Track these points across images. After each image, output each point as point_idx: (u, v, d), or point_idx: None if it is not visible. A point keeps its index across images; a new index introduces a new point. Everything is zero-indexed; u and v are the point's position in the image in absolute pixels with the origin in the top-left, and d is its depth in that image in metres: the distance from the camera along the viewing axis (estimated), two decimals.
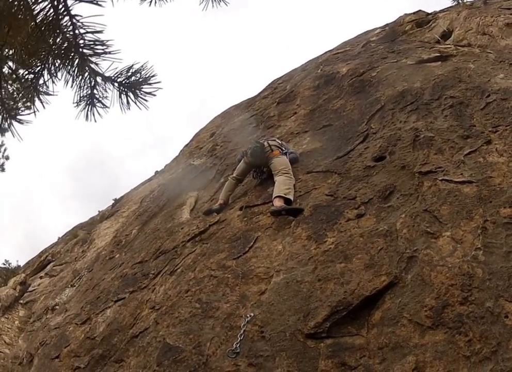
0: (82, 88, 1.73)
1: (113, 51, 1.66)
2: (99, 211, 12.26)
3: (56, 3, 1.60)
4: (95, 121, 1.75)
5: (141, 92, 1.69)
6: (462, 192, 3.99)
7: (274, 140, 5.34)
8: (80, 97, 1.76)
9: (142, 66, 1.67)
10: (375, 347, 2.74)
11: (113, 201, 11.48)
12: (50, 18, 1.60)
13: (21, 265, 11.71)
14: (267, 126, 6.80)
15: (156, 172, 11.16)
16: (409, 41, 7.53)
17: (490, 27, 6.63)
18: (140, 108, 1.69)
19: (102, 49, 1.66)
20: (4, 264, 11.96)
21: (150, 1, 2.42)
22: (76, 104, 1.76)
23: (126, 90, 1.70)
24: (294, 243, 3.96)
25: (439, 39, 7.22)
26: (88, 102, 1.75)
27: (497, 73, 5.65)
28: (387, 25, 8.83)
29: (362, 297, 3.08)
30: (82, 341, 4.58)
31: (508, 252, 3.27)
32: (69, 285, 7.37)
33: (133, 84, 1.68)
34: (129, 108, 1.71)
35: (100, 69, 1.70)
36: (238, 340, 2.89)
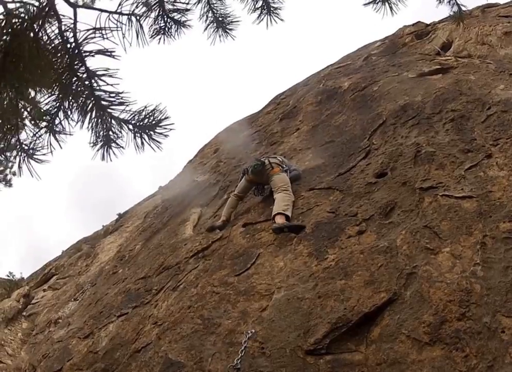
0: (97, 130, 1.89)
1: (130, 102, 1.83)
2: (103, 226, 12.56)
3: (71, 53, 1.80)
4: (111, 160, 1.92)
5: (155, 133, 1.83)
6: (462, 207, 4.14)
7: (275, 157, 5.55)
8: (96, 138, 1.92)
9: (155, 108, 1.81)
10: (373, 364, 2.87)
11: (117, 216, 11.78)
12: (67, 68, 1.79)
13: (25, 278, 12.01)
14: (270, 142, 7.02)
15: (160, 187, 11.44)
16: (409, 53, 7.75)
17: (489, 37, 6.82)
18: (154, 149, 1.85)
19: (120, 101, 1.82)
20: (8, 276, 12.25)
21: (159, 40, 2.69)
22: (92, 145, 1.92)
23: (140, 131, 1.84)
24: (295, 259, 4.12)
25: (439, 50, 7.42)
26: (104, 143, 1.90)
27: (497, 84, 5.83)
28: (387, 37, 9.08)
29: (361, 314, 3.22)
30: (85, 355, 4.77)
31: (506, 267, 3.40)
32: (73, 299, 7.63)
33: (147, 126, 1.83)
34: (143, 149, 1.86)
35: (114, 112, 1.86)
36: (239, 356, 3.04)
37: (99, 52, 1.83)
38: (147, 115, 1.82)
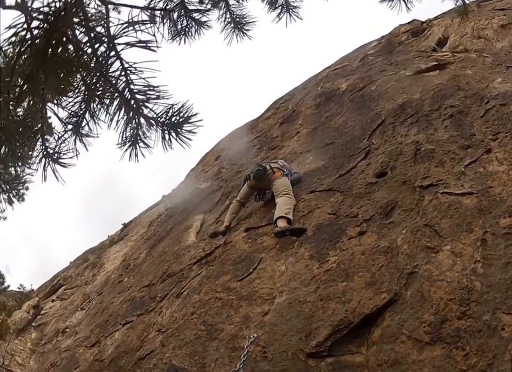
0: (125, 130, 1.86)
1: (166, 96, 1.78)
2: (108, 236, 12.80)
3: (106, 48, 1.81)
4: (138, 161, 1.88)
5: (183, 130, 1.78)
6: (462, 204, 4.14)
7: (276, 162, 5.60)
8: (123, 138, 1.89)
9: (183, 105, 1.77)
10: (374, 365, 2.89)
11: (122, 226, 12.00)
12: (97, 65, 1.80)
13: (35, 289, 12.26)
14: (271, 147, 7.07)
15: (164, 196, 11.59)
16: (406, 52, 7.76)
17: (485, 30, 6.80)
18: (183, 147, 1.79)
19: (156, 95, 1.78)
20: (19, 288, 12.50)
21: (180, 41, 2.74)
22: (119, 145, 1.89)
23: (169, 129, 1.79)
24: (297, 263, 4.16)
25: (435, 46, 7.42)
26: (132, 143, 1.87)
27: (495, 77, 5.81)
28: (383, 37, 9.09)
29: (363, 315, 3.24)
30: (91, 363, 4.87)
31: (506, 263, 3.39)
32: (80, 309, 7.81)
33: (175, 124, 1.78)
34: (171, 147, 1.83)
35: (150, 106, 1.82)
36: (242, 360, 3.08)
37: (135, 44, 1.80)
38: (176, 113, 1.77)
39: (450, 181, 4.45)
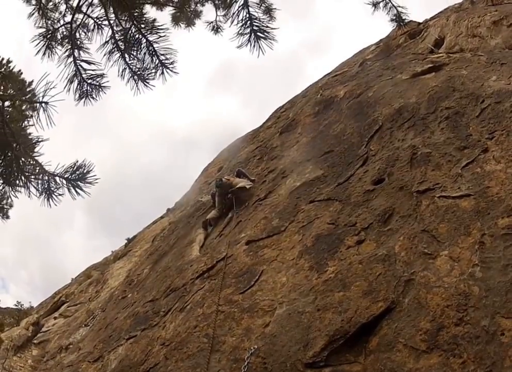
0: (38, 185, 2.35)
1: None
2: (112, 251, 13.06)
3: None
4: (56, 205, 2.33)
5: (83, 183, 2.22)
6: (459, 207, 4.12)
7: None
8: (41, 190, 2.35)
9: (82, 163, 2.21)
10: None
11: (126, 241, 12.22)
12: None
13: (34, 306, 12.52)
14: (271, 157, 7.15)
15: (168, 209, 11.78)
16: (403, 54, 7.77)
17: (479, 28, 6.79)
18: (83, 197, 2.28)
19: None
20: (16, 305, 12.78)
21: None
22: (39, 195, 2.35)
23: (71, 184, 2.24)
24: (297, 274, 4.19)
25: (432, 48, 7.42)
26: (47, 195, 2.33)
27: (489, 76, 5.78)
28: (381, 40, 9.13)
29: (359, 325, 3.26)
30: None
31: (506, 266, 3.36)
32: (83, 325, 7.96)
33: (75, 179, 2.21)
34: (78, 195, 2.27)
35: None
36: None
37: None
38: (76, 169, 2.22)
39: (447, 184, 4.43)
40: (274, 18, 2.98)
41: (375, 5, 3.65)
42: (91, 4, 2.57)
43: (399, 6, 3.64)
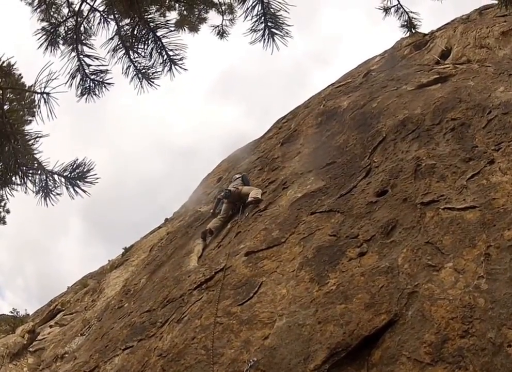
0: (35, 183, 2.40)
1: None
2: (109, 260, 13.14)
3: None
4: (53, 205, 2.38)
5: (82, 182, 2.27)
6: (465, 219, 4.21)
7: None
8: (38, 188, 2.40)
9: (82, 161, 2.28)
10: None
11: (123, 250, 12.31)
12: None
13: (30, 314, 12.61)
14: (272, 168, 7.28)
15: (166, 219, 11.90)
16: (408, 66, 7.98)
17: (487, 39, 7.00)
18: (82, 196, 2.33)
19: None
20: (11, 312, 12.87)
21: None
22: (35, 193, 2.39)
23: (70, 182, 2.28)
24: (297, 286, 4.25)
25: (438, 59, 7.63)
26: (45, 194, 2.38)
27: (497, 87, 5.95)
28: (386, 51, 9.38)
29: (361, 338, 3.31)
30: None
31: None
32: (79, 334, 8.03)
33: (75, 178, 2.27)
34: (76, 194, 2.33)
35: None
36: None
37: None
38: (75, 168, 2.27)
39: (452, 196, 4.53)
40: (287, 12, 3.06)
41: (386, 10, 3.80)
42: None
43: (411, 12, 3.79)
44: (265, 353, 3.58)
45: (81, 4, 2.95)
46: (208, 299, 4.72)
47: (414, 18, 3.45)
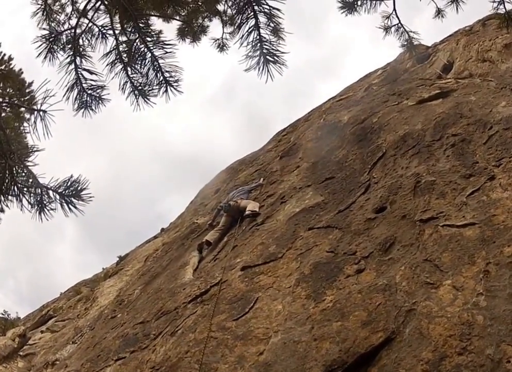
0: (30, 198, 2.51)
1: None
2: (103, 268, 13.25)
3: None
4: (48, 220, 2.49)
5: (77, 199, 2.39)
6: (464, 236, 4.33)
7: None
8: (33, 202, 2.52)
9: (77, 178, 2.40)
10: None
11: (117, 259, 12.43)
12: None
13: (21, 317, 12.68)
14: (270, 182, 7.44)
15: (162, 229, 12.05)
16: (410, 80, 8.21)
17: (489, 52, 7.23)
18: (76, 215, 2.44)
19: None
20: (2, 315, 12.93)
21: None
22: (31, 207, 2.51)
23: (64, 199, 2.39)
24: (293, 302, 4.35)
25: (440, 73, 7.86)
26: (40, 208, 2.49)
27: (499, 102, 6.14)
28: (388, 64, 9.64)
29: (357, 355, 3.39)
30: None
31: (511, 294, 3.53)
32: (71, 342, 8.15)
33: (69, 195, 2.38)
34: (71, 211, 2.45)
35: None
36: None
37: None
38: (70, 185, 2.38)
39: (452, 213, 4.66)
40: (283, 39, 3.14)
41: (386, 29, 3.99)
42: (97, 10, 2.84)
43: (411, 31, 3.98)
44: (260, 369, 3.66)
45: (79, 18, 3.13)
46: (203, 313, 4.81)
47: (414, 38, 3.61)
